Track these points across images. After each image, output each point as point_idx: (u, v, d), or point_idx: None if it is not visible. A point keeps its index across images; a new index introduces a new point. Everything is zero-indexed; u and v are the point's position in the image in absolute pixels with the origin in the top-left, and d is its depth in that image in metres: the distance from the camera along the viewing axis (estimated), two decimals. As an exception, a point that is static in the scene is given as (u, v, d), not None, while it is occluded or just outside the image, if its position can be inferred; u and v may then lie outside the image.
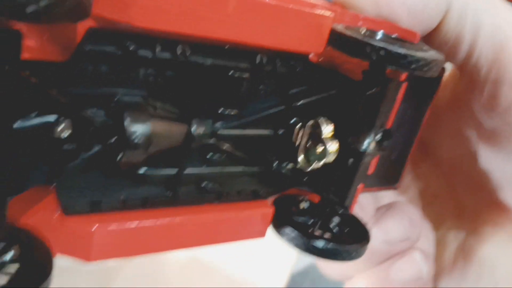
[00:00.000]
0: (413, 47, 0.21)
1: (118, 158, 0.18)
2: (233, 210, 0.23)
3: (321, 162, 0.23)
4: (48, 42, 0.16)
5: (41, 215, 0.18)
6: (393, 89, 0.23)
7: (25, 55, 0.16)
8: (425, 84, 0.27)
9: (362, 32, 0.22)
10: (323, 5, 0.22)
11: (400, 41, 0.22)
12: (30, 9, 0.12)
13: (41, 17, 0.13)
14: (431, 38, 0.25)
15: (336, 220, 0.24)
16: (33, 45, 0.16)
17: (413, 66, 0.20)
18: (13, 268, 0.16)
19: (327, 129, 0.23)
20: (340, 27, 0.22)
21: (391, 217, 0.27)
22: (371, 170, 0.25)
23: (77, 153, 0.18)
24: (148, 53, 0.18)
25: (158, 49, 0.18)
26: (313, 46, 0.22)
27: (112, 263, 0.65)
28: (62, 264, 0.61)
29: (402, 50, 0.20)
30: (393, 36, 0.23)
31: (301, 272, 1.67)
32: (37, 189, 0.18)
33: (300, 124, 0.23)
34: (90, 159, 0.18)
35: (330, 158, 0.22)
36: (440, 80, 0.28)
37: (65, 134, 0.17)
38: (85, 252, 0.19)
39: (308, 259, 1.70)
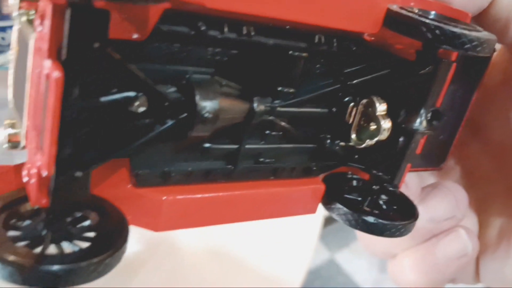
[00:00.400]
0: (466, 27, 0.21)
1: (188, 132, 0.19)
2: (287, 186, 0.24)
3: (374, 140, 0.23)
4: (128, 22, 0.17)
5: (115, 186, 0.19)
6: (444, 69, 0.23)
7: (111, 35, 0.17)
8: (473, 65, 0.27)
9: (416, 12, 0.22)
10: None
11: (453, 21, 0.22)
12: None
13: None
14: (482, 18, 0.26)
15: (385, 197, 0.25)
16: (116, 25, 0.17)
17: (467, 45, 0.20)
18: (92, 233, 0.18)
19: (381, 108, 0.23)
20: (395, 7, 0.22)
21: (436, 196, 0.27)
22: (418, 150, 0.25)
23: (151, 127, 0.19)
24: (216, 33, 0.20)
25: (226, 29, 0.20)
26: (369, 26, 0.23)
27: (133, 259, 0.65)
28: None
29: (456, 30, 0.20)
30: (446, 16, 0.23)
31: (313, 271, 1.68)
32: (112, 162, 0.19)
33: (354, 103, 0.24)
34: (162, 134, 0.19)
35: (383, 136, 0.23)
36: (489, 61, 0.28)
37: (142, 109, 0.18)
38: (154, 222, 0.20)
39: (320, 259, 1.70)
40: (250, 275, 0.65)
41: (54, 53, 0.16)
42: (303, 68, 0.22)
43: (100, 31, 0.16)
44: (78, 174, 0.17)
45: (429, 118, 0.24)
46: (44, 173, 0.16)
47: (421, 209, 0.26)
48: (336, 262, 1.72)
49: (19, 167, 0.18)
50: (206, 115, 0.19)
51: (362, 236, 0.29)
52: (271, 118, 0.22)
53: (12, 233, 0.17)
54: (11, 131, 0.20)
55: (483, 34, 0.21)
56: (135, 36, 0.18)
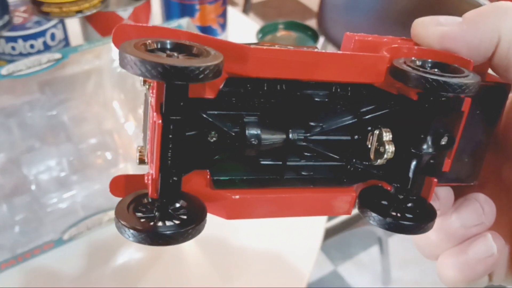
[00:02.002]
0: (454, 74, 0.28)
1: (243, 153, 0.29)
2: (322, 192, 0.31)
3: (384, 159, 0.30)
4: (206, 87, 0.28)
5: (199, 188, 0.29)
6: (448, 104, 0.29)
7: (192, 95, 0.26)
8: (494, 92, 0.33)
9: (416, 64, 0.29)
10: (397, 41, 0.31)
11: (449, 69, 0.29)
12: (199, 75, 0.23)
13: (202, 78, 0.24)
14: (487, 65, 0.31)
15: (410, 204, 0.31)
16: (196, 89, 0.27)
17: (457, 90, 0.27)
18: (183, 214, 0.28)
19: (386, 136, 0.30)
20: (398, 62, 0.29)
21: (467, 206, 0.33)
22: (446, 168, 0.32)
23: (220, 150, 0.29)
24: (259, 90, 0.29)
25: (265, 87, 0.29)
26: (375, 78, 0.30)
27: (136, 265, 0.66)
28: (84, 266, 0.62)
29: (440, 78, 0.27)
30: (444, 64, 0.29)
31: (316, 283, 1.68)
32: (196, 172, 0.29)
33: (371, 132, 0.31)
34: (227, 154, 0.29)
35: (389, 156, 0.30)
36: (510, 88, 0.33)
37: (214, 139, 0.28)
38: (225, 212, 0.29)
39: (323, 271, 1.70)
40: (251, 284, 0.66)
41: (158, 108, 0.26)
42: (326, 108, 0.31)
43: (183, 95, 0.26)
44: (174, 179, 0.27)
45: (444, 142, 0.30)
46: (154, 178, 0.27)
47: (455, 217, 0.33)
48: (339, 275, 1.72)
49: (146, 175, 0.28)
50: (252, 141, 0.29)
51: (416, 242, 0.36)
52: (304, 144, 0.31)
53: (138, 214, 0.27)
54: (140, 154, 0.30)
55: (468, 79, 0.27)
56: (209, 96, 0.28)
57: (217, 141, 0.28)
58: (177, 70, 0.23)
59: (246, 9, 1.85)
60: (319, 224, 0.73)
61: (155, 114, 0.26)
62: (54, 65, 0.61)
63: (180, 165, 0.27)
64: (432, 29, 0.30)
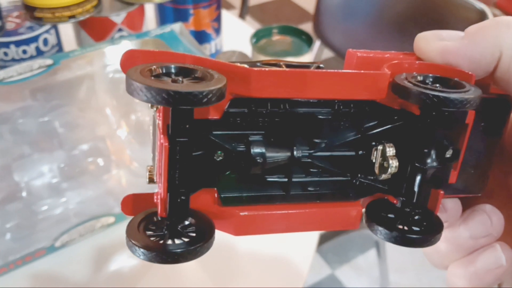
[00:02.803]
0: (453, 89, 0.28)
1: (249, 171, 0.30)
2: (331, 207, 0.32)
3: (388, 174, 0.30)
4: (211, 109, 0.29)
5: (208, 205, 0.30)
6: (451, 118, 0.30)
7: (197, 116, 0.28)
8: (499, 104, 0.33)
9: (418, 79, 0.29)
10: (399, 55, 0.32)
11: (449, 84, 0.29)
12: (203, 99, 0.24)
13: (206, 102, 0.24)
14: (489, 79, 0.31)
15: (415, 216, 0.31)
16: (201, 112, 0.28)
17: (458, 106, 0.27)
18: (192, 231, 0.28)
19: (389, 151, 0.30)
20: (399, 78, 0.29)
21: (475, 217, 0.33)
22: (453, 179, 0.32)
23: (226, 169, 0.30)
24: (263, 109, 0.30)
25: (269, 106, 0.30)
26: (377, 95, 0.30)
27: (130, 271, 0.65)
28: (76, 273, 0.61)
29: (438, 94, 0.27)
30: (446, 79, 0.30)
31: (312, 286, 1.68)
32: (203, 190, 0.30)
33: (375, 147, 0.31)
34: (234, 173, 0.30)
35: (392, 171, 0.30)
36: (510, 103, 0.33)
37: (220, 158, 0.29)
38: (233, 229, 0.30)
39: (320, 275, 1.70)
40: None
41: (165, 131, 0.27)
42: (330, 125, 0.31)
43: (188, 118, 0.27)
44: (182, 198, 0.28)
45: (449, 155, 0.30)
46: (162, 197, 0.27)
47: (463, 228, 0.33)
48: (337, 278, 1.72)
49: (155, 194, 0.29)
50: (257, 159, 0.29)
51: (425, 252, 0.36)
52: (310, 160, 0.31)
53: (148, 232, 0.28)
54: (150, 173, 0.31)
55: (468, 94, 0.28)
56: (214, 116, 0.29)
57: (223, 160, 0.29)
58: (181, 96, 0.24)
59: (243, 13, 1.85)
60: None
61: (162, 136, 0.27)
62: (45, 71, 0.61)
63: (188, 184, 0.28)
64: (434, 43, 0.31)
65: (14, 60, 0.74)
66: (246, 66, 0.29)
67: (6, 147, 0.66)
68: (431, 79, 0.30)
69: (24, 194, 0.66)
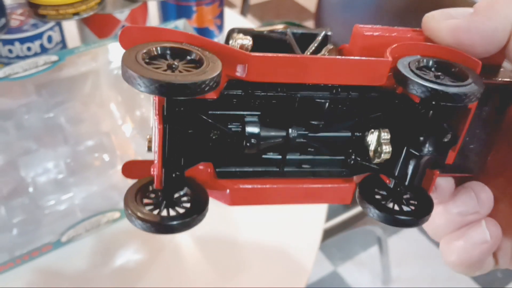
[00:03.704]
0: (456, 81, 0.28)
1: (243, 150, 0.30)
2: (324, 182, 0.32)
3: (382, 159, 0.31)
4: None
5: (204, 177, 0.31)
6: (448, 107, 0.30)
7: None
8: (503, 92, 0.33)
9: (421, 64, 0.29)
10: (407, 34, 0.31)
11: (453, 72, 0.29)
12: (197, 89, 0.24)
13: (199, 92, 0.25)
14: (501, 54, 0.31)
15: (407, 195, 0.32)
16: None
17: (457, 101, 0.27)
18: (187, 201, 0.29)
19: (385, 136, 0.31)
20: (402, 64, 0.29)
21: (462, 194, 0.34)
22: (450, 161, 0.32)
23: (222, 147, 0.30)
24: (260, 92, 0.30)
25: (266, 89, 0.30)
26: (377, 81, 0.30)
27: (135, 266, 0.66)
28: (82, 268, 0.62)
29: (439, 88, 0.27)
30: (450, 65, 0.29)
31: (316, 283, 1.68)
32: (201, 164, 0.31)
33: (371, 131, 0.31)
34: (229, 150, 0.30)
35: (386, 157, 0.30)
36: None
37: (215, 137, 0.30)
38: (228, 200, 0.31)
39: (323, 271, 1.70)
40: (251, 284, 0.66)
41: (160, 111, 0.27)
42: (328, 108, 0.31)
43: (183, 102, 0.27)
44: (176, 173, 0.29)
45: (447, 140, 0.30)
46: (158, 173, 0.28)
47: (451, 205, 0.34)
48: (339, 275, 1.72)
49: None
50: (252, 140, 0.29)
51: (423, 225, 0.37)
52: (304, 141, 0.31)
53: (146, 200, 0.29)
54: (149, 142, 0.31)
55: (468, 88, 0.27)
56: (211, 97, 0.29)
57: (218, 138, 0.30)
58: (174, 87, 0.24)
59: (244, 11, 1.85)
60: (318, 222, 0.73)
61: (157, 117, 0.27)
62: (50, 67, 0.61)
63: (182, 162, 0.29)
64: (444, 22, 0.30)
65: (18, 57, 0.74)
66: (248, 41, 0.31)
67: (12, 143, 0.66)
68: (435, 65, 0.30)
69: (30, 189, 0.66)
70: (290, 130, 0.31)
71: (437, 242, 0.36)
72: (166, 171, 0.29)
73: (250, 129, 0.30)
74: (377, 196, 0.32)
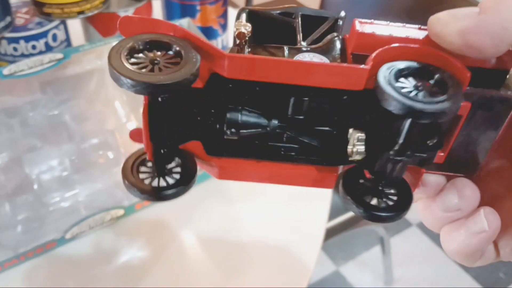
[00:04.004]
0: (436, 98, 0.27)
1: (224, 135, 0.31)
2: (308, 167, 0.33)
3: (353, 158, 0.31)
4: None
5: (197, 151, 0.32)
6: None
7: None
8: (502, 104, 0.31)
9: (402, 72, 0.29)
10: (405, 34, 0.31)
11: (435, 81, 0.29)
12: (174, 87, 0.26)
13: (188, 86, 0.27)
14: (510, 60, 0.30)
15: (390, 190, 0.32)
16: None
17: (431, 118, 0.27)
18: (177, 171, 0.32)
19: (359, 137, 0.31)
20: (380, 74, 0.28)
21: (446, 191, 0.34)
22: (439, 161, 0.32)
23: (206, 131, 0.32)
24: (241, 86, 0.30)
25: (246, 86, 0.30)
26: (354, 86, 0.29)
27: (139, 264, 0.66)
28: (86, 265, 0.62)
29: (413, 104, 0.26)
30: (434, 71, 0.29)
31: (318, 283, 1.68)
32: (192, 142, 0.32)
33: (350, 129, 0.31)
34: (211, 134, 0.32)
35: (359, 157, 0.31)
36: None
37: (200, 119, 0.31)
38: (216, 174, 0.33)
39: (325, 271, 1.70)
40: (253, 283, 0.66)
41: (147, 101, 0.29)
42: (307, 105, 0.31)
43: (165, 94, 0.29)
44: (164, 150, 0.31)
45: (431, 144, 0.30)
46: (147, 149, 0.31)
47: (437, 202, 0.34)
48: (341, 274, 1.72)
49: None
50: (232, 129, 0.31)
51: (420, 216, 0.36)
52: (285, 133, 0.32)
53: (142, 168, 0.32)
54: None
55: (446, 105, 0.27)
56: (197, 86, 0.30)
57: (203, 123, 0.32)
58: (152, 87, 0.26)
59: (247, 11, 1.85)
60: (320, 221, 0.73)
61: (144, 102, 0.29)
62: (55, 65, 0.61)
63: (168, 139, 0.31)
64: (451, 26, 0.29)
65: (23, 55, 0.74)
66: (247, 28, 0.32)
67: (16, 140, 0.67)
68: (417, 73, 0.29)
69: (34, 186, 0.67)
70: (270, 122, 0.32)
71: (440, 243, 0.36)
72: (154, 147, 0.31)
73: (231, 120, 0.31)
74: (360, 188, 0.32)
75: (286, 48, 0.32)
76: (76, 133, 0.70)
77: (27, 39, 0.74)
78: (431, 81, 0.29)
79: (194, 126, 0.32)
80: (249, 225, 0.72)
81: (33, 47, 0.74)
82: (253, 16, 0.35)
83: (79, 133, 0.70)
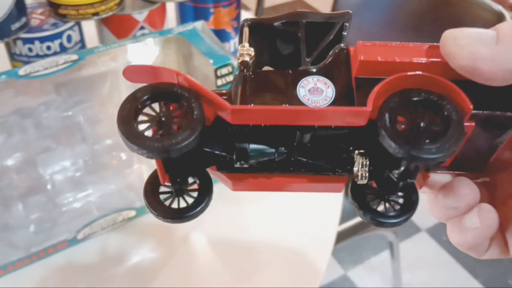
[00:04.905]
0: (434, 145, 0.28)
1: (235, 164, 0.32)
2: (318, 176, 0.34)
3: (358, 182, 0.32)
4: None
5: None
6: None
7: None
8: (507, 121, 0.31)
9: (408, 106, 0.29)
10: (418, 52, 0.30)
11: (438, 116, 0.29)
12: (175, 152, 0.28)
13: (176, 154, 0.28)
14: None
15: (396, 194, 0.33)
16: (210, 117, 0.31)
17: (428, 163, 0.28)
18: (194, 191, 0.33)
19: (363, 163, 0.31)
20: (381, 112, 0.29)
21: (444, 190, 0.34)
22: (445, 164, 0.33)
23: (221, 161, 0.33)
24: (245, 130, 0.31)
25: (251, 129, 0.31)
26: (356, 124, 0.30)
27: (150, 265, 0.66)
28: (98, 265, 0.62)
29: (415, 153, 0.27)
30: (437, 107, 0.29)
31: (326, 287, 1.68)
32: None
33: (356, 153, 0.32)
34: (222, 162, 0.33)
35: (364, 182, 0.31)
36: None
37: (208, 150, 0.32)
38: (230, 187, 0.34)
39: (333, 275, 1.70)
40: (264, 284, 0.66)
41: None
42: (311, 138, 0.32)
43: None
44: (178, 179, 0.32)
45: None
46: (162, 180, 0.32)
47: (438, 198, 0.34)
48: (349, 279, 1.72)
49: None
50: (242, 163, 0.32)
51: (429, 207, 0.37)
52: (292, 159, 0.33)
53: (162, 189, 0.33)
54: None
55: (439, 155, 0.28)
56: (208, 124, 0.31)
57: (211, 155, 0.33)
58: (156, 152, 0.28)
59: (258, 13, 1.85)
60: (332, 224, 0.73)
61: None
62: (70, 66, 0.62)
63: (183, 170, 0.32)
64: (466, 50, 0.28)
65: (38, 56, 0.75)
66: (250, 54, 0.32)
67: (30, 141, 0.67)
68: (419, 107, 0.30)
69: (47, 187, 0.67)
70: (277, 150, 0.33)
71: (449, 248, 0.37)
72: (170, 177, 0.32)
73: (239, 153, 0.32)
74: (367, 193, 0.33)
75: (289, 73, 0.32)
76: (90, 135, 0.70)
77: (42, 40, 0.74)
78: (432, 119, 0.29)
79: (205, 158, 0.33)
80: (259, 228, 0.72)
81: (48, 48, 0.75)
82: (257, 30, 0.35)
83: (93, 135, 0.70)
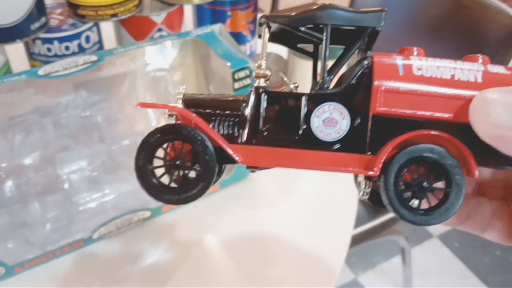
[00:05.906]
0: (425, 217, 0.31)
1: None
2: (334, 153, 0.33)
3: (362, 198, 0.34)
4: None
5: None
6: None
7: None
8: None
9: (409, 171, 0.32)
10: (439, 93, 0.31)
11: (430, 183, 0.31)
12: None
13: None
14: None
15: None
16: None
17: (421, 225, 0.31)
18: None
19: (366, 182, 0.33)
20: (383, 182, 0.31)
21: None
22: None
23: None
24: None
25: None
26: (371, 171, 0.31)
27: (164, 265, 0.67)
28: (112, 265, 0.62)
29: (412, 218, 0.31)
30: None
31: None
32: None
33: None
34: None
35: (363, 197, 0.33)
36: None
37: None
38: (242, 161, 0.33)
39: (343, 280, 1.70)
40: (278, 284, 0.66)
41: None
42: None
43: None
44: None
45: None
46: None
47: None
48: (360, 284, 1.71)
49: None
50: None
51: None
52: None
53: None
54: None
55: (430, 221, 0.31)
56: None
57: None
58: (172, 203, 0.33)
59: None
60: (347, 227, 0.73)
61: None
62: (90, 67, 0.62)
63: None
64: (491, 125, 0.29)
65: (56, 56, 0.76)
66: (267, 74, 0.34)
67: (49, 140, 0.67)
68: (424, 170, 0.32)
69: (65, 186, 0.68)
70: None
71: (461, 255, 0.37)
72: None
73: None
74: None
75: (303, 100, 0.33)
76: (107, 135, 0.71)
77: (61, 40, 0.75)
78: (435, 179, 0.31)
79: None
80: (274, 230, 0.72)
81: (67, 48, 0.76)
82: (276, 31, 0.36)
83: (110, 135, 0.71)
